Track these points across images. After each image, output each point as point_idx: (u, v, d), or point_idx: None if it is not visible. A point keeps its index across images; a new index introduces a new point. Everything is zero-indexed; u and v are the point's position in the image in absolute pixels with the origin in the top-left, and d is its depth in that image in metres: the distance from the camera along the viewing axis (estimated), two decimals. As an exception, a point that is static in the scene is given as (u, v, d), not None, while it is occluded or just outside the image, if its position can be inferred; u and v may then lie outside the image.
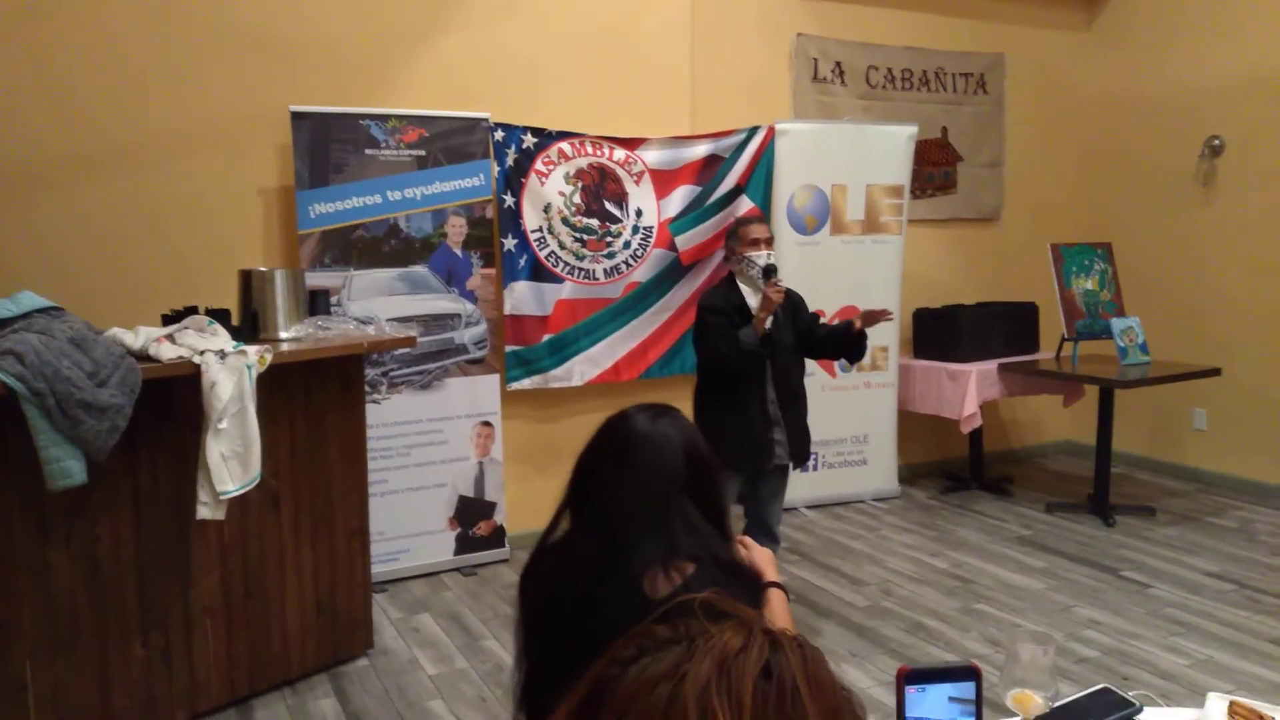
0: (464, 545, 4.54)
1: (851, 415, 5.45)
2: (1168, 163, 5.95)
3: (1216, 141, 5.63)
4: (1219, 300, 5.71)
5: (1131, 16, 6.16)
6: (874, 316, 3.60)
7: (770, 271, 3.52)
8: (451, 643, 3.72)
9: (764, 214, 5.11)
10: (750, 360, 3.49)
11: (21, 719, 2.77)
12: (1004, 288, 6.18)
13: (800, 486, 5.35)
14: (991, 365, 5.41)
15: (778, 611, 1.65)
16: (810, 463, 5.37)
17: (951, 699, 0.90)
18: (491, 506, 4.60)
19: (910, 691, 0.89)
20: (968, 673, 0.91)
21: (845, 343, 3.70)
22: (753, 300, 3.56)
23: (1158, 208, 6.04)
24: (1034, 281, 6.11)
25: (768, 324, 3.52)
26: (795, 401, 3.70)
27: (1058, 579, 4.25)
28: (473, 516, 4.56)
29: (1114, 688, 1.60)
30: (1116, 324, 5.29)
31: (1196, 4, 5.74)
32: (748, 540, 1.77)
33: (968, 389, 5.28)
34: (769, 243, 3.63)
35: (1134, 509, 5.20)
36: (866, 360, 5.39)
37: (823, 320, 3.89)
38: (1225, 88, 5.61)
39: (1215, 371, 5.19)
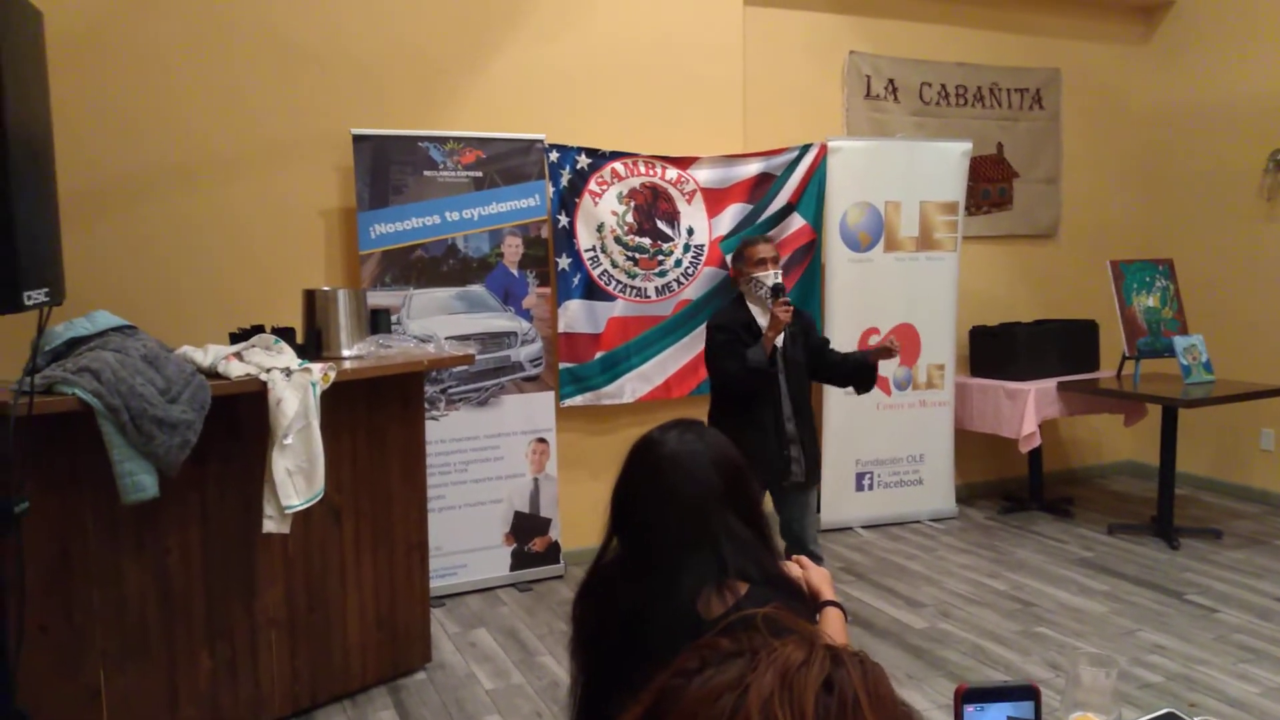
0: (520, 561, 4.58)
1: (907, 434, 5.41)
2: (1231, 177, 5.82)
3: (1282, 155, 5.51)
4: (1287, 317, 5.56)
5: (1191, 29, 6.05)
6: (886, 353, 3.59)
7: (778, 290, 3.55)
8: (508, 658, 3.76)
9: (815, 229, 5.14)
10: (757, 378, 3.51)
11: (94, 726, 2.86)
12: (1062, 305, 6.10)
13: (856, 506, 5.33)
14: (1050, 384, 5.33)
15: (834, 630, 1.65)
16: (866, 482, 5.35)
17: (1010, 719, 0.90)
18: (547, 523, 4.64)
19: (969, 710, 0.90)
20: (1027, 692, 0.91)
21: (856, 373, 3.70)
22: (762, 319, 3.59)
23: (1221, 223, 5.91)
24: (1093, 298, 6.01)
25: (778, 342, 3.55)
26: (807, 418, 3.72)
27: (1120, 602, 4.17)
28: (528, 532, 4.60)
29: (1179, 713, 1.57)
30: (1179, 342, 5.19)
31: (1259, 15, 5.63)
32: (804, 560, 1.76)
33: (1026, 408, 5.20)
34: (775, 261, 3.66)
35: (1199, 531, 5.08)
36: (922, 378, 5.39)
37: (833, 346, 3.88)
38: (1291, 100, 5.49)
39: (1284, 390, 5.06)
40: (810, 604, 1.68)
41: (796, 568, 1.74)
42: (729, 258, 4.97)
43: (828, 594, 1.72)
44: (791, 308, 3.54)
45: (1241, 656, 3.60)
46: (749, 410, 3.59)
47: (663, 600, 1.45)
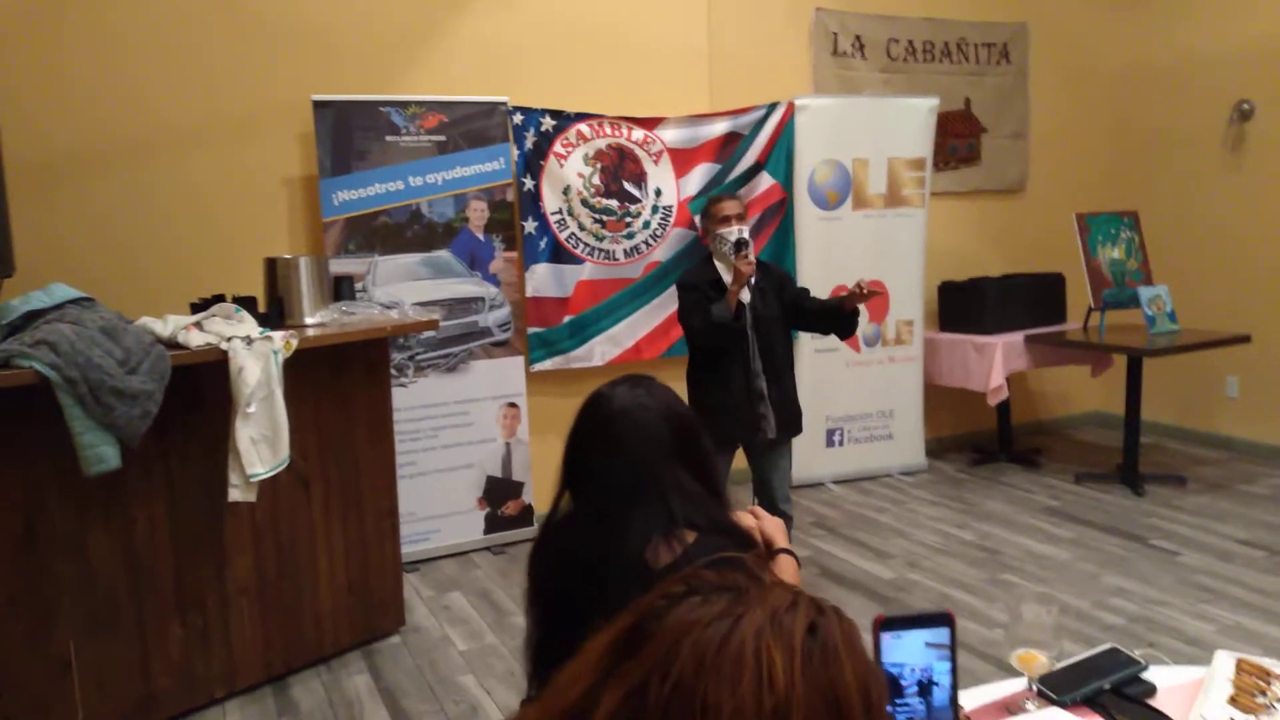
0: (493, 524, 4.60)
1: (877, 390, 5.45)
2: (1196, 128, 5.86)
3: (1246, 106, 5.54)
4: (1249, 266, 5.62)
5: (1157, -21, 6.06)
6: (862, 296, 3.53)
7: (741, 245, 3.56)
8: (481, 619, 3.79)
9: (784, 188, 5.13)
10: (722, 332, 3.52)
11: (67, 698, 2.87)
12: (1030, 259, 6.13)
13: (827, 462, 5.37)
14: (1018, 337, 5.38)
15: (788, 576, 1.68)
16: (837, 438, 5.39)
17: (927, 644, 0.92)
18: (519, 486, 4.66)
19: (886, 638, 0.92)
20: (943, 619, 0.93)
21: (836, 319, 3.68)
22: (728, 276, 3.60)
23: (1186, 174, 5.95)
24: (1061, 252, 6.04)
25: (744, 297, 3.57)
26: (781, 374, 3.73)
27: (1086, 548, 4.24)
28: (501, 496, 4.62)
29: (1121, 648, 1.61)
30: (1144, 292, 5.24)
31: (1223, -36, 5.64)
32: (758, 510, 1.78)
33: (994, 361, 5.25)
34: (740, 218, 3.67)
35: (1164, 478, 5.16)
36: (891, 334, 5.43)
37: (814, 295, 3.87)
38: (1255, 51, 5.50)
39: (1245, 338, 5.12)
40: (764, 552, 1.71)
41: (750, 518, 1.76)
42: (697, 218, 4.97)
43: (781, 542, 1.74)
44: (754, 261, 3.56)
45: (1201, 597, 3.68)
46: (719, 367, 3.61)
47: (613, 551, 1.47)
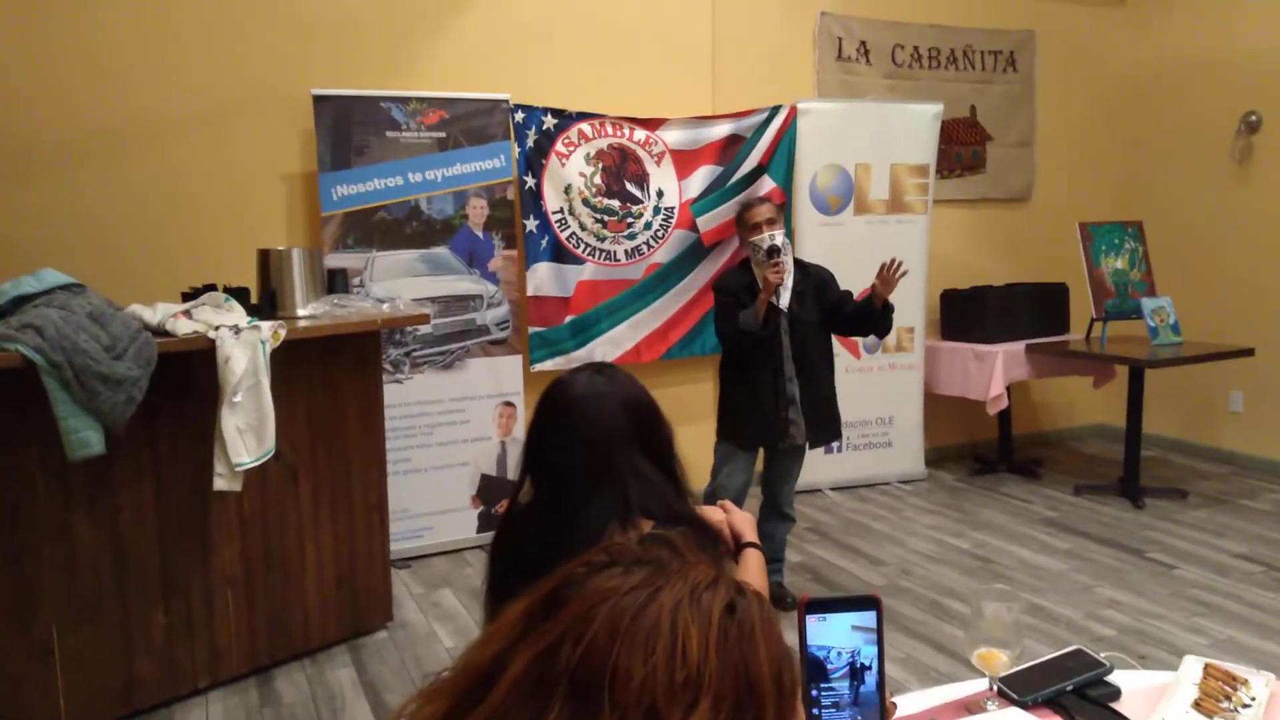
0: (486, 523, 4.59)
1: (876, 397, 5.42)
2: (1203, 140, 5.81)
3: (1254, 117, 5.49)
4: (1255, 279, 5.57)
5: (1168, -10, 6.02)
6: (887, 282, 3.49)
7: (772, 252, 3.48)
8: (470, 617, 3.78)
9: (785, 192, 5.09)
10: (748, 341, 3.48)
11: (49, 682, 2.87)
12: (1035, 268, 6.09)
13: (824, 468, 5.34)
14: (1019, 346, 5.34)
15: (754, 569, 1.67)
16: (835, 444, 5.33)
17: (854, 628, 0.91)
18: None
19: (812, 620, 0.91)
20: (869, 602, 0.92)
21: (872, 318, 3.61)
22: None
23: (1193, 185, 5.91)
24: (1065, 262, 5.98)
25: (783, 301, 3.53)
26: (815, 379, 3.67)
27: (1081, 560, 4.20)
28: (495, 495, 4.61)
29: (1086, 649, 1.59)
30: (1147, 304, 5.20)
31: (1234, -24, 5.60)
32: (728, 504, 1.78)
33: (994, 370, 5.22)
34: (772, 223, 3.57)
35: (1164, 491, 5.11)
36: (892, 341, 5.40)
37: (856, 299, 3.80)
38: (1263, 62, 5.46)
39: (1248, 352, 5.08)
40: (730, 545, 1.70)
41: (719, 512, 1.75)
42: (699, 219, 4.95)
43: (749, 537, 1.73)
44: (781, 269, 3.47)
45: (1195, 610, 3.64)
46: (748, 369, 3.59)
47: (569, 536, 1.46)
